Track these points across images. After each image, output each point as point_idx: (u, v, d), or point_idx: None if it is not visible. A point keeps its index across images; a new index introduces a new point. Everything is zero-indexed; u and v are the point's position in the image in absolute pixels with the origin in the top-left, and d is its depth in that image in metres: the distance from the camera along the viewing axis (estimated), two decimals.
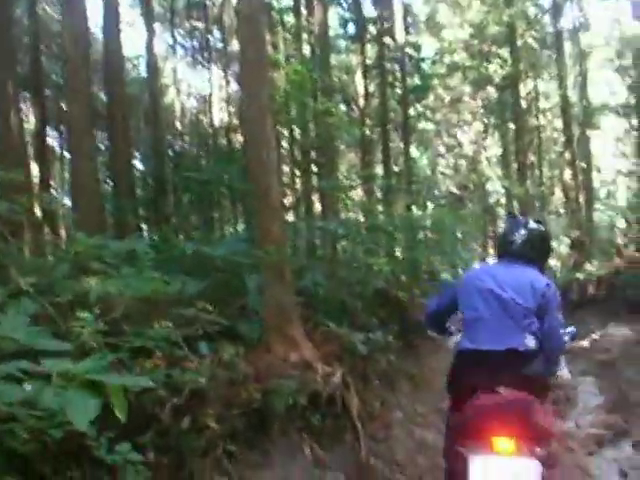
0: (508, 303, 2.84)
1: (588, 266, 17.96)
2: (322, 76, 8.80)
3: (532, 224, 3.17)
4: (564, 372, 3.13)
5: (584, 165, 23.54)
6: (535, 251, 3.09)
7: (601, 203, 26.34)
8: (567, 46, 23.04)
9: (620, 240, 20.46)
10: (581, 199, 22.71)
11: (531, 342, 2.82)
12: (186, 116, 18.70)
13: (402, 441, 4.74)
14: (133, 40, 35.12)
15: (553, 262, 26.08)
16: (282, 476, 3.56)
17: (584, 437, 5.83)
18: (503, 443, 2.47)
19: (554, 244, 27.24)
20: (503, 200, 24.67)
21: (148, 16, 10.98)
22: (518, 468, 2.43)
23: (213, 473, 3.29)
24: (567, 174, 22.42)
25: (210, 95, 15.81)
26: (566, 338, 3.08)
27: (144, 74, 13.03)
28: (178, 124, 17.39)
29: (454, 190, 25.79)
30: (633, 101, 21.57)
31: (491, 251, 26.71)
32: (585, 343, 11.34)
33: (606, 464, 5.56)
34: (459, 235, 9.90)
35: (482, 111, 25.29)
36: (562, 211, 26.00)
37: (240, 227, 10.41)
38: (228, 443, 3.43)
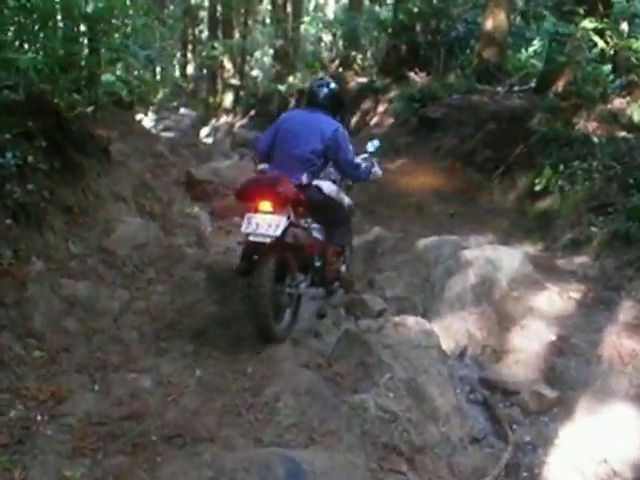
0: (298, 146, 3.92)
1: (291, 78, 17.52)
2: None
3: (332, 85, 4.29)
4: (377, 172, 4.47)
5: None
6: (332, 104, 4.21)
7: (309, 15, 25.89)
8: None
9: (325, 54, 20.31)
10: (289, 9, 21.86)
11: (305, 179, 3.90)
12: None
13: (44, 301, 3.59)
14: None
15: (256, 72, 25.63)
16: None
17: None
18: (263, 205, 3.54)
19: (258, 54, 26.71)
20: (206, 3, 22.77)
21: None
22: (272, 220, 3.49)
23: None
24: None
25: None
26: (371, 149, 4.57)
27: None
28: None
29: None
30: None
31: (189, 55, 24.98)
32: None
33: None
34: (156, 33, 7.64)
35: None
36: (268, 20, 25.08)
37: None
38: None
